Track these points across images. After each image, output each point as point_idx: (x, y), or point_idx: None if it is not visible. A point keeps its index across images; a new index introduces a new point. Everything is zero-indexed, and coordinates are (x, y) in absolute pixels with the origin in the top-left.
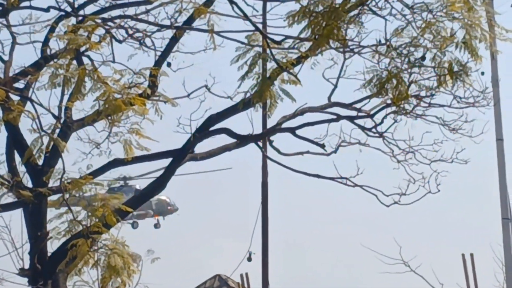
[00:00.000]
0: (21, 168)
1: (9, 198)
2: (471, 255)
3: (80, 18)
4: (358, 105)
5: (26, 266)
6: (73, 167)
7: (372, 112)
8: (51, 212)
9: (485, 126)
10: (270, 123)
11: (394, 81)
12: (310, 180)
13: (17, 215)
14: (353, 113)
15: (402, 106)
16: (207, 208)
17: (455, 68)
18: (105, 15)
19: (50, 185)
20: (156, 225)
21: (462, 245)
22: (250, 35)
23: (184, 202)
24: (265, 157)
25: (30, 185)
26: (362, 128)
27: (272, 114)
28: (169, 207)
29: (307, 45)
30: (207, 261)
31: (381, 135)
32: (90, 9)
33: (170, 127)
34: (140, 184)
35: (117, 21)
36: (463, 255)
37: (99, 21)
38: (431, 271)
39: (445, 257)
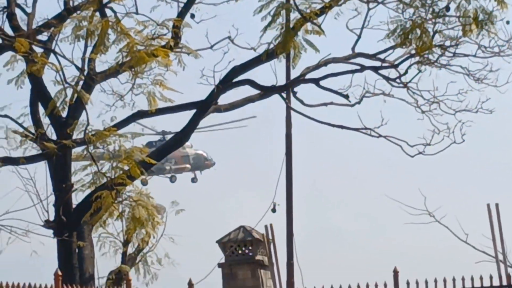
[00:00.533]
0: (45, 121)
1: (34, 150)
2: (496, 205)
3: None
4: (382, 56)
5: (51, 218)
6: (97, 119)
7: (396, 63)
8: (75, 164)
9: (510, 76)
10: (294, 74)
11: (418, 31)
12: (334, 131)
13: (42, 167)
14: (377, 63)
15: (426, 56)
16: (231, 162)
17: (481, 17)
18: None
19: (74, 137)
20: (193, 179)
21: (488, 195)
22: None
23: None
24: (289, 108)
25: (54, 137)
26: (386, 78)
27: (296, 65)
28: (206, 162)
29: None
30: (232, 213)
31: (405, 85)
32: None
33: (194, 78)
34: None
35: None
36: (488, 205)
37: None
38: (456, 221)
39: (470, 207)
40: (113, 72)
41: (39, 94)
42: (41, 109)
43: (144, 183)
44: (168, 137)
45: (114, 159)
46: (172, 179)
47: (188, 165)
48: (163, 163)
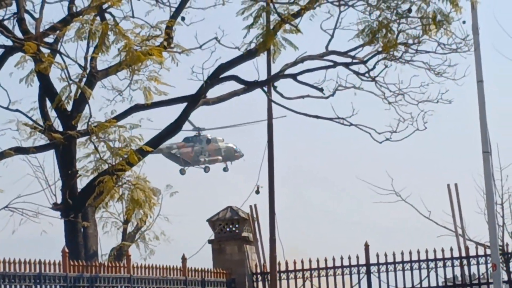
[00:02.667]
0: (52, 114)
1: (42, 141)
2: (456, 185)
3: None
4: (352, 53)
5: (59, 201)
6: (98, 112)
7: (365, 59)
8: (79, 152)
9: (467, 70)
10: (274, 69)
11: (384, 31)
12: (310, 121)
13: (50, 156)
14: (348, 60)
15: (391, 53)
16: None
17: (439, 18)
18: None
19: (78, 128)
20: (225, 169)
21: (448, 176)
22: None
23: None
24: (270, 101)
25: (60, 128)
26: (357, 73)
27: (276, 60)
28: (235, 154)
29: None
30: (220, 194)
31: (373, 79)
32: None
33: (185, 75)
34: (211, 134)
35: None
36: (448, 185)
37: None
38: (420, 200)
39: (432, 187)
40: (113, 70)
41: (46, 90)
42: (48, 104)
43: (183, 173)
44: (203, 132)
45: (114, 148)
46: (206, 170)
47: (220, 157)
48: (198, 156)
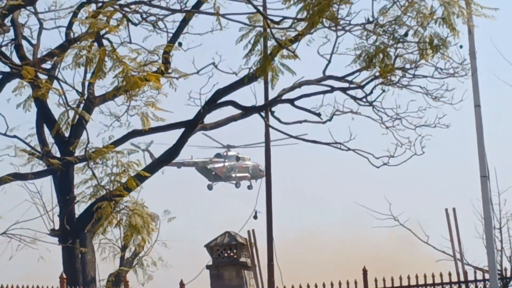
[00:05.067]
0: (50, 140)
1: (40, 167)
2: (454, 209)
3: (99, 4)
4: (349, 78)
5: (57, 227)
6: (96, 138)
7: (362, 84)
8: (77, 178)
9: (464, 94)
10: (272, 95)
11: (381, 56)
12: (308, 146)
13: (47, 181)
14: (346, 85)
15: (389, 77)
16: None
17: (436, 42)
18: (122, 1)
19: (76, 154)
20: (249, 187)
21: (446, 201)
22: (252, 16)
23: None
24: (267, 126)
25: (58, 154)
26: (354, 98)
27: (274, 86)
28: (260, 172)
29: (304, 24)
30: (218, 219)
31: (370, 104)
32: None
33: (182, 101)
34: (239, 152)
35: (133, 6)
36: (446, 209)
37: (116, 6)
38: (418, 224)
39: (430, 212)
40: (111, 96)
41: (44, 116)
42: (46, 130)
43: (210, 188)
44: (232, 149)
45: (112, 174)
46: (237, 185)
47: (248, 174)
48: (229, 172)
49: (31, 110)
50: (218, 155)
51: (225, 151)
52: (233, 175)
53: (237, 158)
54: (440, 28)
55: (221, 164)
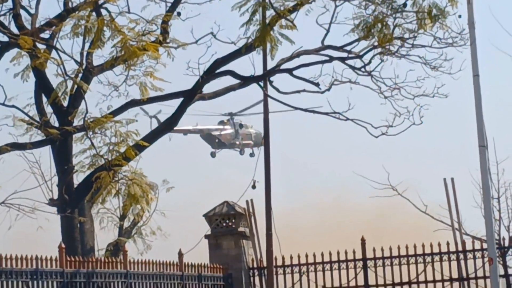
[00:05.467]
0: (48, 110)
1: (39, 137)
2: (452, 179)
3: None
4: (348, 47)
5: (55, 197)
6: (95, 108)
7: (361, 54)
8: (76, 148)
9: (463, 64)
10: (270, 65)
11: (380, 25)
12: (306, 116)
13: (46, 151)
14: (344, 54)
15: (387, 47)
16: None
17: (434, 12)
18: None
19: (74, 124)
20: (251, 154)
21: (444, 171)
22: None
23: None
24: (266, 96)
25: (56, 124)
26: (352, 68)
27: (274, 57)
28: (263, 140)
29: None
30: (217, 189)
31: (369, 73)
32: None
33: (181, 70)
34: (242, 119)
35: None
36: (444, 179)
37: None
38: (416, 194)
39: (429, 182)
40: (109, 65)
41: (42, 86)
42: (44, 99)
43: (214, 155)
44: (235, 117)
45: (111, 143)
46: (241, 152)
47: (251, 142)
48: (234, 139)
49: (29, 80)
50: (221, 122)
51: (228, 118)
52: (237, 142)
53: (240, 126)
54: None
55: (226, 132)
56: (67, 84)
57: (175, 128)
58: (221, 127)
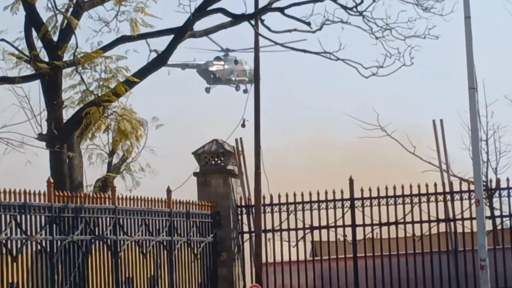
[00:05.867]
0: (38, 44)
1: (28, 71)
2: (441, 121)
3: None
4: None
5: (44, 132)
6: (85, 43)
7: None
8: (65, 83)
9: (455, 6)
10: (262, 3)
11: None
12: (297, 55)
13: (35, 86)
14: None
15: None
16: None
17: None
18: None
19: (64, 59)
20: (245, 90)
21: (433, 112)
22: None
23: None
24: (257, 34)
25: (46, 59)
26: (344, 7)
27: None
28: None
29: None
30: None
31: (361, 14)
32: None
33: (172, 7)
34: (237, 56)
35: None
36: (433, 121)
37: None
38: (405, 135)
39: (418, 123)
40: (100, 0)
41: (32, 19)
42: (34, 34)
43: (208, 91)
44: (231, 53)
45: (101, 79)
46: (237, 88)
47: (246, 78)
48: (229, 75)
49: (19, 13)
50: (217, 58)
51: (224, 54)
52: (233, 78)
53: (236, 62)
54: None
55: (222, 67)
56: (57, 18)
57: (173, 63)
58: (217, 62)
